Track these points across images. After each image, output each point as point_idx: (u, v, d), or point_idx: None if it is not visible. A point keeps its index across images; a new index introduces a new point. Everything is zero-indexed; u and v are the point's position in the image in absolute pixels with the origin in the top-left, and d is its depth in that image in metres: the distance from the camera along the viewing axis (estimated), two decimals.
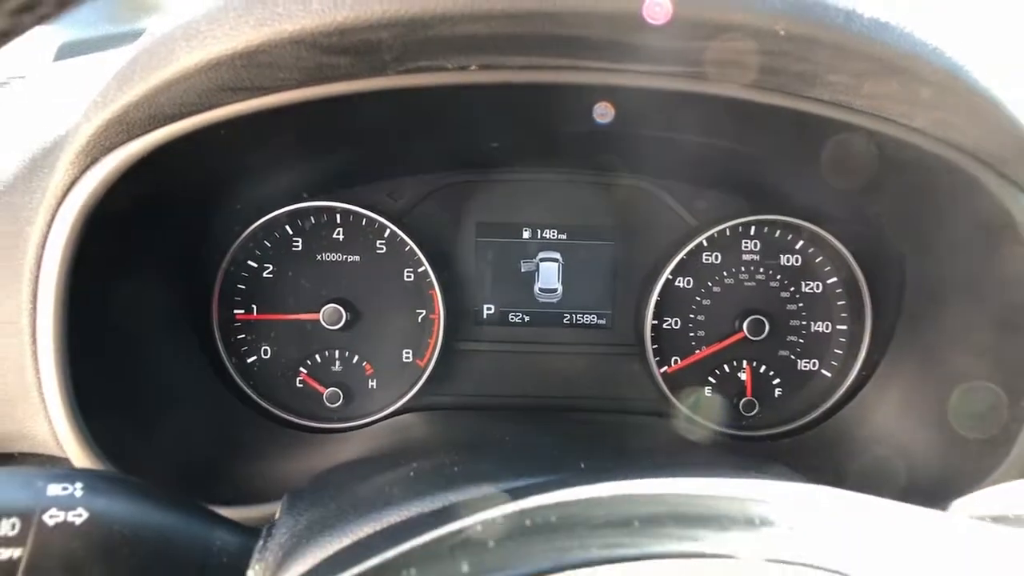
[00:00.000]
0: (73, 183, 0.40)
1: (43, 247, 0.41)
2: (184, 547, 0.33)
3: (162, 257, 0.50)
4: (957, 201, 0.45)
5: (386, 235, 0.58)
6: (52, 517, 0.30)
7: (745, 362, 0.60)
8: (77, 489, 0.32)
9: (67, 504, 0.31)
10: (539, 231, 0.60)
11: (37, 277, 0.41)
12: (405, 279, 0.59)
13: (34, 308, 0.41)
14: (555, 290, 0.61)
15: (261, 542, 0.33)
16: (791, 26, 0.34)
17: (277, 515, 0.35)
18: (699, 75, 0.40)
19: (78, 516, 0.31)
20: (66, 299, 0.41)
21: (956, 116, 0.40)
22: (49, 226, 0.41)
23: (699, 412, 0.59)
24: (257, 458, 0.53)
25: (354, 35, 0.33)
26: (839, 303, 0.60)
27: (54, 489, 0.32)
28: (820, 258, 0.59)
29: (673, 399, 0.59)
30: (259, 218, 0.57)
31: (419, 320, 0.59)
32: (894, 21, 0.36)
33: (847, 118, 0.42)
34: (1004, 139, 0.41)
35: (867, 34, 0.34)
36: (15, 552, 0.30)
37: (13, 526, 0.30)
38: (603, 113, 0.47)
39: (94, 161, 0.40)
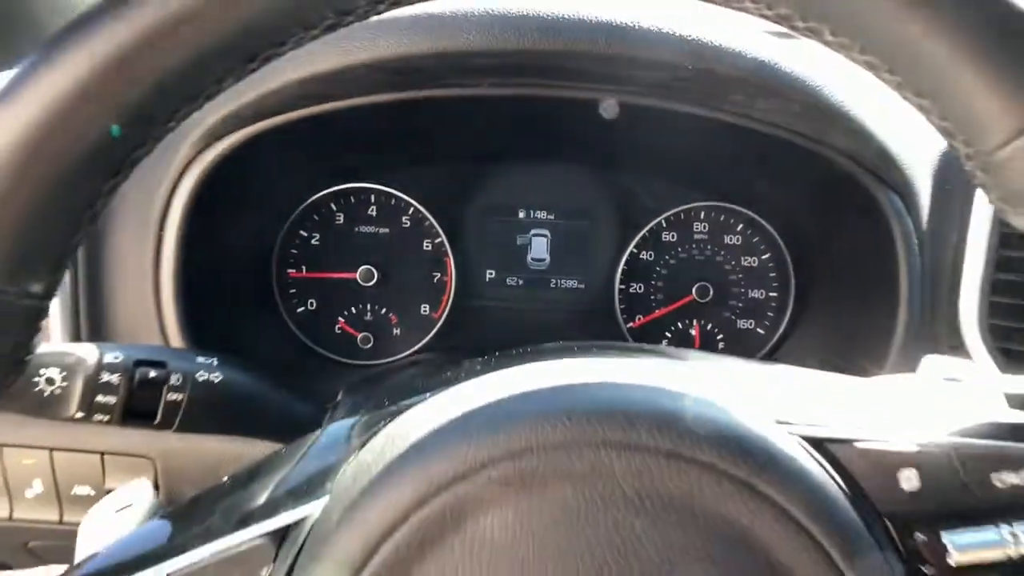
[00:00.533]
0: (191, 162, 0.55)
1: (166, 209, 0.55)
2: (281, 406, 0.47)
3: (241, 223, 0.65)
4: (841, 193, 0.60)
5: (410, 212, 0.72)
6: (200, 376, 0.45)
7: (695, 320, 0.74)
8: (214, 362, 0.46)
9: (208, 369, 0.45)
10: (532, 212, 0.75)
11: (161, 230, 0.55)
12: (424, 248, 0.73)
13: (158, 255, 0.56)
14: (544, 260, 0.75)
15: (329, 414, 0.47)
16: (695, 63, 0.49)
17: (339, 397, 0.49)
18: (649, 93, 0.55)
19: (216, 377, 0.45)
20: (181, 249, 0.56)
21: (830, 127, 0.54)
22: (171, 193, 0.55)
23: None
24: (307, 386, 0.67)
25: (407, 62, 0.48)
26: (771, 275, 0.75)
27: (201, 360, 0.46)
28: (756, 238, 0.74)
29: None
30: (311, 196, 0.71)
31: (435, 281, 0.73)
32: (763, 54, 0.51)
33: (754, 126, 0.57)
34: (869, 146, 0.55)
35: (743, 66, 0.49)
36: (179, 396, 0.44)
37: (178, 379, 0.44)
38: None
39: (207, 145, 0.55)
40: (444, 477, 0.26)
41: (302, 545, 0.29)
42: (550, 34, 0.50)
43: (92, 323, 0.55)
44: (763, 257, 0.74)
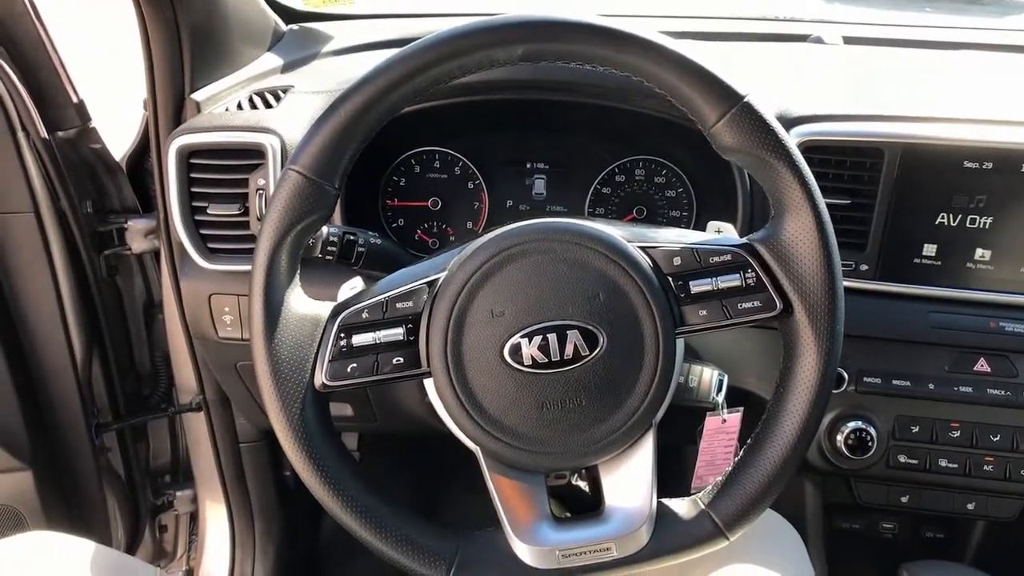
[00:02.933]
0: None
1: None
2: (409, 259, 0.95)
3: (362, 173, 1.10)
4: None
5: (460, 164, 1.16)
6: (372, 240, 0.92)
7: None
8: (377, 235, 0.92)
9: (375, 238, 0.94)
10: (534, 163, 1.17)
11: None
12: (468, 187, 1.16)
13: None
14: (543, 194, 1.17)
15: None
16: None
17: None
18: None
19: (378, 241, 0.94)
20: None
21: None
22: None
23: None
24: None
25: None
26: (683, 201, 1.18)
27: (371, 234, 0.92)
28: (674, 178, 1.18)
29: None
30: (399, 156, 1.16)
31: (475, 208, 1.17)
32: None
33: (659, 115, 1.00)
34: None
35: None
36: (362, 249, 0.91)
37: (363, 241, 0.92)
38: None
39: None
40: (492, 253, 0.72)
41: (439, 288, 0.74)
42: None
43: None
44: (679, 190, 1.17)
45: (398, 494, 1.03)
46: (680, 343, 0.71)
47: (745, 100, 0.67)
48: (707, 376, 0.88)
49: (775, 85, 1.07)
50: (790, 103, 1.01)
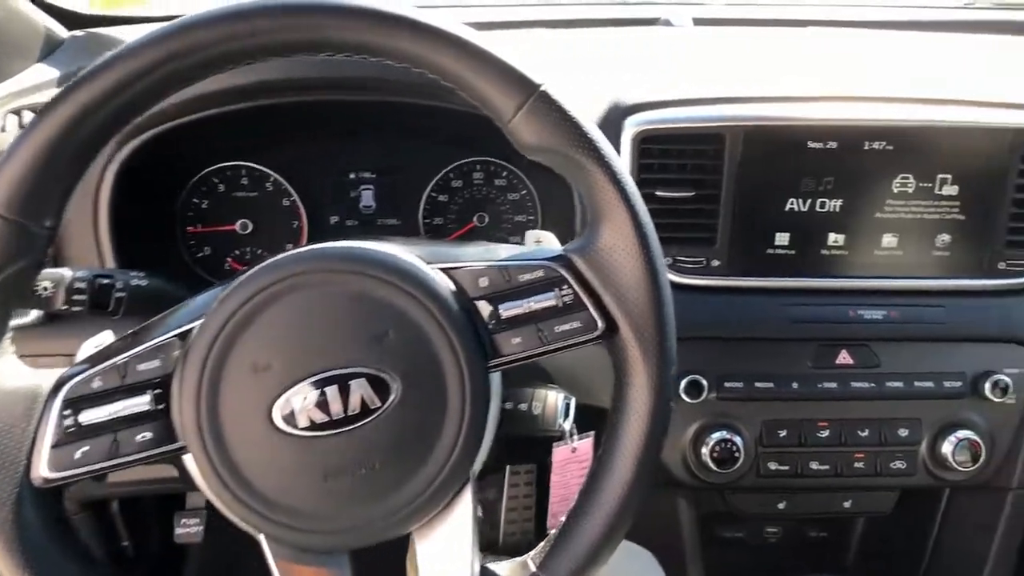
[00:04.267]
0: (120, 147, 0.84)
1: (99, 184, 0.84)
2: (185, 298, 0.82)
3: (151, 195, 0.94)
4: None
5: (271, 180, 1.02)
6: (133, 281, 0.77)
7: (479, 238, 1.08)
8: (143, 274, 0.77)
9: (139, 278, 0.78)
10: (359, 172, 1.05)
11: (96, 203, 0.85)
12: (284, 204, 1.03)
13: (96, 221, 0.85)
14: (371, 206, 1.06)
15: None
16: None
17: None
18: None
19: (144, 282, 0.78)
20: (111, 216, 0.85)
21: None
22: (103, 170, 0.84)
23: None
24: None
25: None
26: (528, 205, 1.09)
27: (134, 273, 0.77)
28: (515, 181, 1.08)
29: None
30: (198, 173, 1.01)
31: (294, 227, 1.04)
32: None
33: None
34: None
35: None
36: (122, 294, 0.77)
37: (121, 284, 0.77)
38: None
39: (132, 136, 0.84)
40: (250, 293, 0.58)
41: (190, 341, 0.60)
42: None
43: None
44: (522, 192, 1.07)
45: None
46: (496, 378, 0.61)
47: (541, 89, 0.57)
48: (552, 400, 0.78)
49: (613, 72, 0.98)
50: (625, 91, 0.92)
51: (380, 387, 0.55)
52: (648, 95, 0.91)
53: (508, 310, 0.58)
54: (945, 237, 0.92)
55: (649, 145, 0.87)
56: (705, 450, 0.92)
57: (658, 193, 0.90)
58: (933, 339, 0.90)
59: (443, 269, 0.60)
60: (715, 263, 0.92)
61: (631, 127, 0.89)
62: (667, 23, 1.35)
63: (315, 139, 1.02)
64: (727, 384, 0.92)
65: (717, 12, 1.44)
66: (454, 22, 0.58)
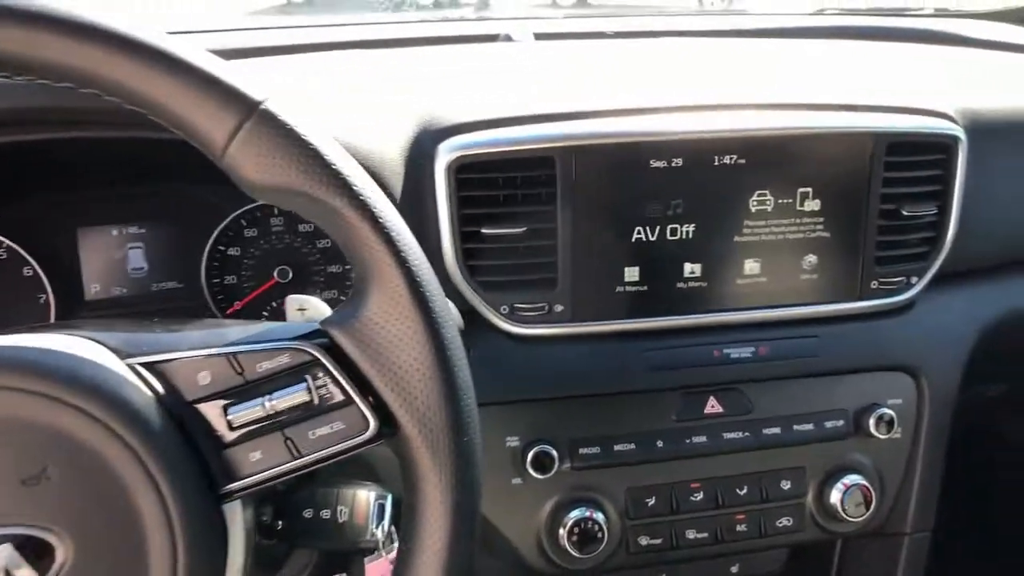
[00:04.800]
0: None
1: None
2: None
3: None
4: None
5: (3, 246, 0.81)
6: None
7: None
8: None
9: None
10: (124, 228, 0.86)
11: None
12: (23, 275, 0.82)
13: None
14: (142, 268, 0.87)
15: None
16: None
17: None
18: None
19: None
20: None
21: None
22: None
23: None
24: None
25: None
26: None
27: None
28: None
29: None
30: None
31: (40, 302, 0.83)
32: None
33: None
34: None
35: None
36: None
37: None
38: None
39: None
40: None
41: None
42: None
43: None
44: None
45: None
46: (234, 509, 0.45)
47: (263, 107, 0.42)
48: (362, 503, 0.62)
49: (434, 92, 0.83)
50: (438, 112, 0.77)
51: (39, 552, 0.37)
52: (464, 115, 0.76)
53: (241, 414, 0.45)
54: (812, 258, 0.81)
55: (468, 174, 0.73)
56: (563, 531, 0.76)
57: (484, 231, 0.75)
58: (809, 375, 0.79)
59: (144, 364, 0.43)
60: (558, 308, 0.78)
61: (445, 154, 0.74)
62: (507, 39, 1.26)
63: (55, 188, 0.82)
64: (582, 451, 0.77)
65: (560, 26, 1.35)
66: (152, 28, 0.42)
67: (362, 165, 0.46)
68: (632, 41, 1.22)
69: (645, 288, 0.79)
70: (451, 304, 0.49)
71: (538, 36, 1.24)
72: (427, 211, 0.76)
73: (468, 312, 0.79)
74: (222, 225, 0.85)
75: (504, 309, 0.78)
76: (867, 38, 1.29)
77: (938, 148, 0.83)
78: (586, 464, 0.77)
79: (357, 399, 0.45)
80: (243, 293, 0.87)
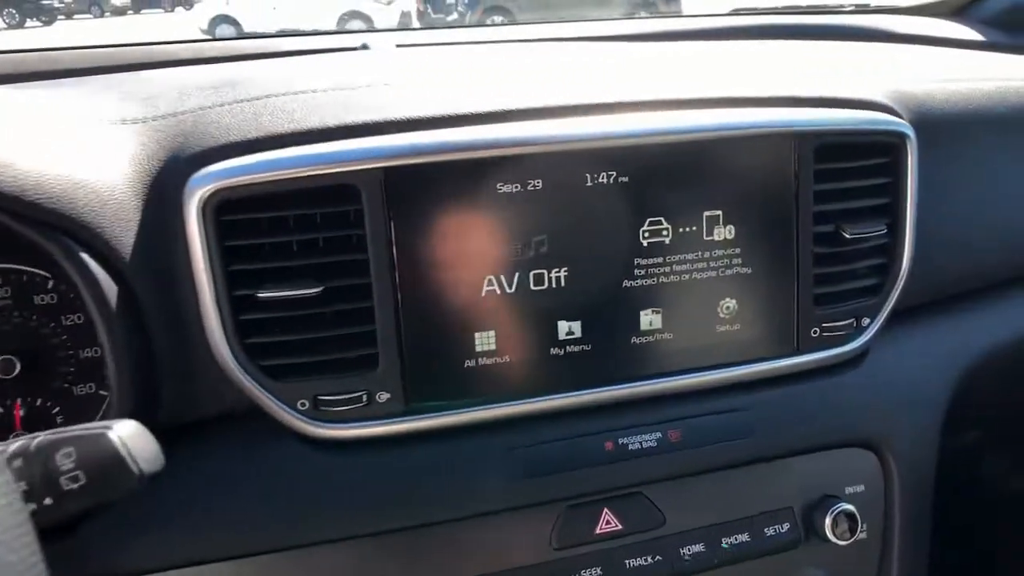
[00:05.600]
0: None
1: None
2: None
3: None
4: None
5: None
6: None
7: (14, 401, 0.65)
8: None
9: None
10: None
11: None
12: None
13: None
14: None
15: None
16: None
17: None
18: None
19: None
20: None
21: None
22: None
23: None
24: None
25: None
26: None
27: None
28: (72, 295, 0.66)
29: None
30: None
31: None
32: None
33: None
34: None
35: None
36: None
37: None
38: None
39: None
40: None
41: None
42: None
43: None
44: (86, 314, 0.66)
45: None
46: None
47: None
48: None
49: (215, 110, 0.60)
50: (199, 132, 0.54)
51: None
52: (228, 134, 0.53)
53: None
54: (730, 303, 0.60)
55: (235, 215, 0.49)
56: None
57: (261, 295, 0.52)
58: (739, 464, 0.56)
59: None
60: (382, 397, 0.55)
61: (198, 188, 0.51)
62: (364, 48, 1.07)
63: None
64: None
65: (424, 37, 1.17)
66: None
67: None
68: (511, 46, 1.02)
69: (505, 360, 0.57)
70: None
71: (400, 46, 1.05)
72: (178, 268, 0.53)
73: (248, 412, 0.55)
74: None
75: (302, 404, 0.55)
76: (788, 37, 1.12)
77: (881, 149, 0.63)
78: None
79: None
80: None
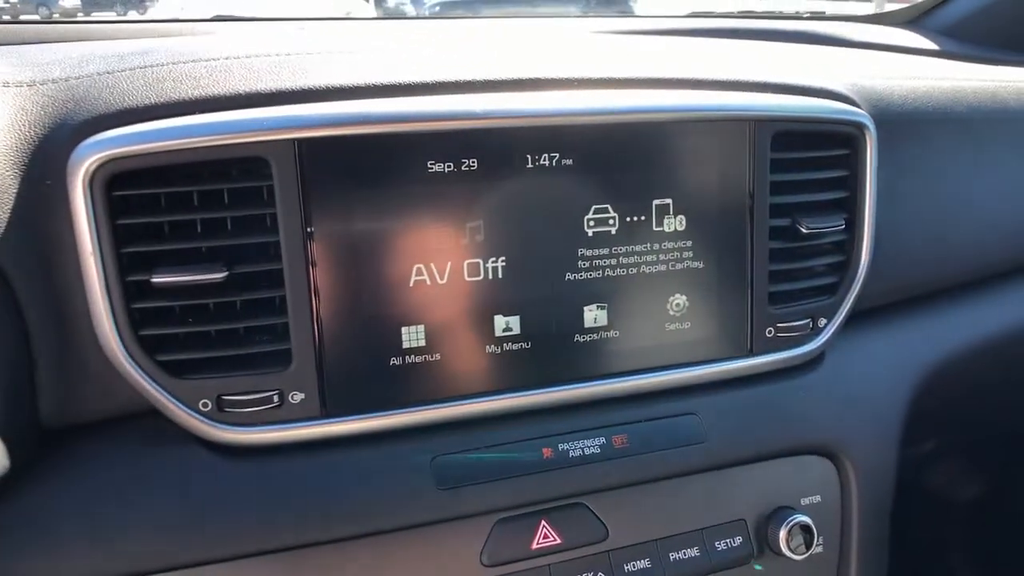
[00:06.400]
0: None
1: None
2: None
3: None
4: None
5: None
6: None
7: None
8: None
9: None
10: None
11: None
12: None
13: None
14: None
15: None
16: None
17: None
18: None
19: None
20: None
21: None
22: None
23: None
24: None
25: None
26: None
27: None
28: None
29: None
30: None
31: None
32: None
33: None
34: None
35: None
36: None
37: None
38: None
39: None
40: None
41: None
42: None
43: None
44: None
45: None
46: None
47: None
48: None
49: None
50: (87, 98, 0.48)
51: None
52: (122, 100, 0.47)
53: None
54: (679, 300, 0.56)
55: (127, 190, 0.43)
56: None
57: (156, 280, 0.46)
58: (687, 472, 0.51)
59: None
60: (296, 397, 0.50)
61: (84, 158, 0.45)
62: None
63: None
64: None
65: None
66: None
67: None
68: (454, 22, 0.96)
69: (435, 357, 0.52)
70: None
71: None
72: (62, 250, 0.47)
73: (148, 413, 0.49)
74: None
75: (204, 404, 0.49)
76: (746, 39, 1.10)
77: (840, 141, 0.60)
78: None
79: None
80: None
